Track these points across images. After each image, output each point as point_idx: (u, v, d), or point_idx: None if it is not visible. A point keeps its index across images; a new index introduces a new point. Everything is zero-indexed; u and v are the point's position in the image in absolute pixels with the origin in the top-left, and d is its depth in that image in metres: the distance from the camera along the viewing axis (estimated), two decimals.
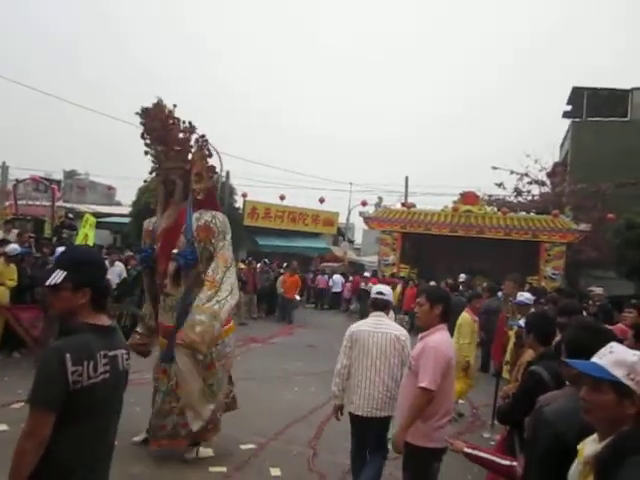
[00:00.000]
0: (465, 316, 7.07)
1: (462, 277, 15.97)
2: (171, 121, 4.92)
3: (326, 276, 21.28)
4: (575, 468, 1.72)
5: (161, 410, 4.74)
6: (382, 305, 4.23)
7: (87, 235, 10.76)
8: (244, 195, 22.97)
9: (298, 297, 16.17)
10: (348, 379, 4.09)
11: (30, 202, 20.06)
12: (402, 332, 4.13)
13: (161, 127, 4.88)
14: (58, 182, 28.91)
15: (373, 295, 4.35)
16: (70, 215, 14.35)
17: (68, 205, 23.65)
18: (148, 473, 4.51)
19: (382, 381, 3.94)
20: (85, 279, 2.07)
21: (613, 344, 1.76)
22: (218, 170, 5.34)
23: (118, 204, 33.55)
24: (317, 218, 24.79)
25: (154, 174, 5.17)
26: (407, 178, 29.64)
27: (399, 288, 16.20)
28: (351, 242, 35.88)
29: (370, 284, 16.57)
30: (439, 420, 3.37)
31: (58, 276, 2.04)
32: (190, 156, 5.03)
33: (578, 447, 1.74)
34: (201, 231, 4.77)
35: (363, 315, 13.80)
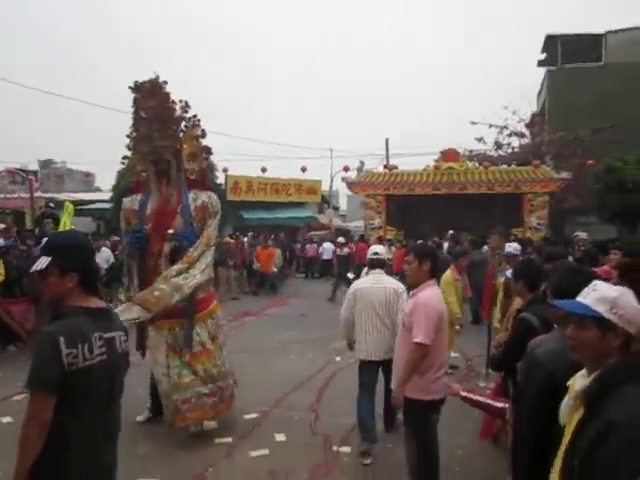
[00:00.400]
0: (447, 274, 7.12)
1: (450, 233, 16.08)
2: (169, 99, 4.88)
3: (315, 245, 21.33)
4: (566, 403, 1.79)
5: (178, 385, 4.69)
6: (379, 264, 4.85)
7: (65, 223, 10.55)
8: (225, 170, 22.72)
9: (275, 269, 15.95)
10: (354, 332, 4.67)
11: (8, 195, 19.71)
12: (399, 285, 4.73)
13: (159, 105, 4.84)
14: (34, 173, 28.40)
15: (370, 256, 4.93)
16: (51, 204, 14.10)
17: (47, 195, 23.21)
18: (155, 451, 4.59)
19: (386, 327, 4.52)
20: (70, 263, 2.07)
21: (597, 282, 1.82)
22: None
23: (98, 190, 33.08)
24: (300, 187, 24.64)
25: (132, 152, 5.11)
26: (387, 140, 29.56)
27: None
28: (336, 209, 35.84)
29: (346, 249, 16.82)
30: (435, 373, 3.46)
31: (43, 262, 2.05)
32: (182, 135, 5.03)
33: (568, 383, 1.80)
34: (199, 211, 4.86)
35: (340, 279, 14.39)
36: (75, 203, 14.14)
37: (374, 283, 4.67)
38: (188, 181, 5.00)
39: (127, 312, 4.21)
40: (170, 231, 4.76)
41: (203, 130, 5.14)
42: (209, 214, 4.90)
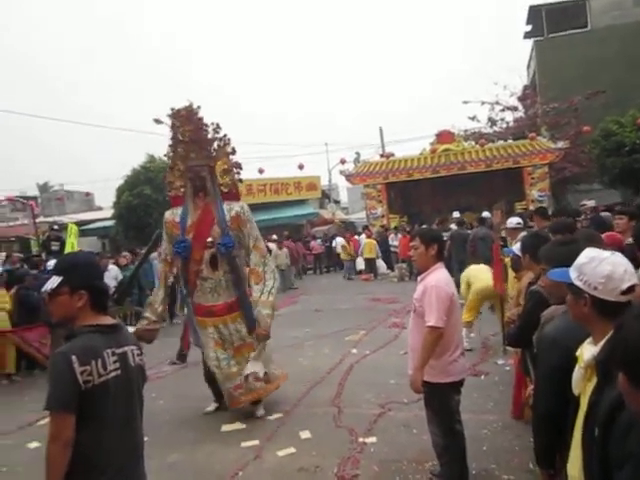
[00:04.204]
0: None
1: (456, 214, 16.07)
2: (202, 123, 5.48)
3: (319, 240, 21.36)
4: (577, 373, 1.79)
5: (229, 375, 5.36)
6: None
7: (73, 245, 10.66)
8: None
9: (282, 268, 15.99)
10: None
11: (10, 223, 19.83)
12: None
13: (195, 129, 5.45)
14: (34, 198, 28.55)
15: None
16: (55, 227, 14.17)
17: (49, 219, 23.36)
18: (185, 459, 4.62)
19: None
20: (81, 281, 2.09)
21: (587, 249, 1.83)
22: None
23: (99, 209, 33.16)
24: (299, 185, 24.66)
25: (170, 170, 5.74)
26: (381, 129, 29.68)
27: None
28: (337, 202, 35.83)
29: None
30: (452, 354, 3.46)
31: (54, 281, 2.07)
32: (214, 154, 5.58)
33: (577, 353, 1.81)
34: (234, 221, 5.40)
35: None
36: (79, 224, 14.24)
37: None
38: (222, 194, 5.53)
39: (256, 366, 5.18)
40: (209, 239, 5.32)
41: (233, 148, 5.66)
42: (242, 222, 5.42)
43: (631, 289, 1.70)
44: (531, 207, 17.43)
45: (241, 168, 5.76)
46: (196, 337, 5.63)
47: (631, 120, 18.31)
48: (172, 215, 5.63)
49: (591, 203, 10.26)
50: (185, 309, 6.00)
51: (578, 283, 1.75)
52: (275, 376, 5.61)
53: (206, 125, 5.52)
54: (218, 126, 5.56)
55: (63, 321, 2.16)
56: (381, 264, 17.47)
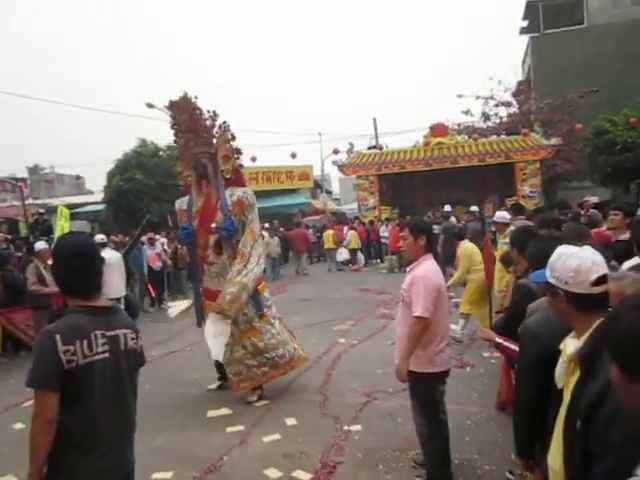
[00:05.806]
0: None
1: (447, 207, 16.08)
2: (197, 111, 5.53)
3: (310, 230, 21.33)
4: (560, 366, 1.82)
5: (232, 359, 5.45)
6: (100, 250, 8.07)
7: (63, 227, 10.60)
8: None
9: (274, 256, 16.13)
10: None
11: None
12: None
13: (189, 118, 5.53)
14: (24, 180, 28.27)
15: None
16: (41, 210, 14.06)
17: (39, 201, 23.17)
18: (170, 444, 4.64)
19: None
20: (55, 270, 2.18)
21: (561, 247, 1.88)
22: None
23: (89, 192, 32.90)
24: (291, 174, 24.54)
25: (178, 160, 5.93)
26: (375, 120, 29.53)
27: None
28: (329, 193, 35.76)
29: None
30: (438, 345, 3.48)
31: None
32: (215, 141, 5.66)
33: (560, 347, 1.84)
34: (235, 206, 5.47)
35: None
36: (69, 207, 14.11)
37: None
38: (225, 180, 5.60)
39: (219, 321, 5.23)
40: (213, 225, 5.45)
41: (232, 134, 5.70)
42: (245, 207, 5.48)
43: (602, 280, 1.73)
44: (521, 202, 17.51)
45: (241, 153, 5.86)
46: (199, 319, 5.82)
47: (623, 119, 18.39)
48: (180, 204, 5.87)
49: (594, 199, 10.21)
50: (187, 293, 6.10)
51: (552, 280, 1.81)
52: (284, 361, 5.61)
53: (202, 113, 5.57)
54: (214, 113, 5.60)
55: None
56: (360, 256, 17.77)
